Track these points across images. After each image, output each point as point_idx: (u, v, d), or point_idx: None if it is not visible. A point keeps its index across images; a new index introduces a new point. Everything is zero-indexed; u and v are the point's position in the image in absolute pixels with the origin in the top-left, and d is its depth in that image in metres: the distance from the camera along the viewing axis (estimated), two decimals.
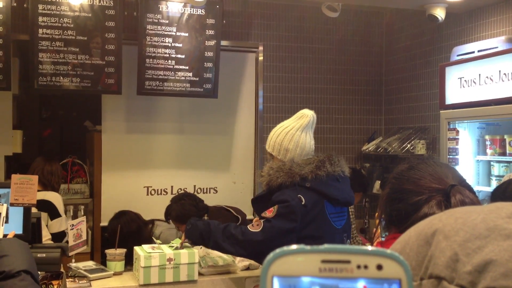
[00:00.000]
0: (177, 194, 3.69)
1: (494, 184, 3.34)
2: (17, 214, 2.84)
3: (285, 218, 2.31)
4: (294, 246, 0.42)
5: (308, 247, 0.42)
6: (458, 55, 3.80)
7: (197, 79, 4.25)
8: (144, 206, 4.47)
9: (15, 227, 2.79)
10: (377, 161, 5.03)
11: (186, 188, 4.60)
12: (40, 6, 3.81)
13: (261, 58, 4.83)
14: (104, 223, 4.33)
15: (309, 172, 2.34)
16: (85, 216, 3.20)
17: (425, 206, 1.14)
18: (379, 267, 0.40)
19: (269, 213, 2.34)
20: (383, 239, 1.38)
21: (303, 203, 2.31)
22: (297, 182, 2.33)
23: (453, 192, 1.13)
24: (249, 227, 2.37)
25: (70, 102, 5.95)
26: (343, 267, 0.40)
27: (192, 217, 2.76)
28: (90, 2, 3.91)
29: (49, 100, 6.04)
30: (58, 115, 6.31)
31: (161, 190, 4.56)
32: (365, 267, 0.40)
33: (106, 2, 3.94)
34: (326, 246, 0.42)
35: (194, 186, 4.64)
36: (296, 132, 2.47)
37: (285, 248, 0.43)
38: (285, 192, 2.34)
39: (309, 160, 2.41)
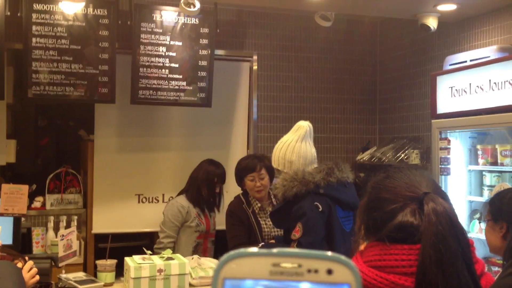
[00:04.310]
0: None
1: (486, 194, 3.34)
2: (6, 224, 2.84)
3: (312, 233, 2.48)
4: (246, 249, 0.42)
5: (260, 251, 0.42)
6: (450, 65, 3.81)
7: (191, 88, 4.26)
8: (135, 214, 4.47)
9: (5, 237, 2.79)
10: (372, 170, 5.02)
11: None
12: (34, 15, 3.81)
13: (255, 67, 4.85)
14: (96, 230, 4.32)
15: (321, 179, 2.51)
16: (75, 227, 3.18)
17: (399, 214, 1.15)
18: (329, 272, 0.40)
19: (297, 233, 2.50)
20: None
21: (320, 209, 2.48)
22: (311, 190, 2.49)
23: (426, 200, 1.14)
24: None
25: (66, 111, 5.94)
26: (293, 271, 0.40)
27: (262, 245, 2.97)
28: (84, 11, 3.92)
29: (45, 109, 6.03)
30: (54, 124, 6.30)
31: (152, 198, 4.54)
32: (316, 271, 0.40)
33: (100, 11, 3.95)
34: (278, 249, 0.42)
35: None
36: (296, 144, 2.65)
37: (238, 250, 0.43)
38: (302, 205, 2.50)
39: (319, 168, 2.59)
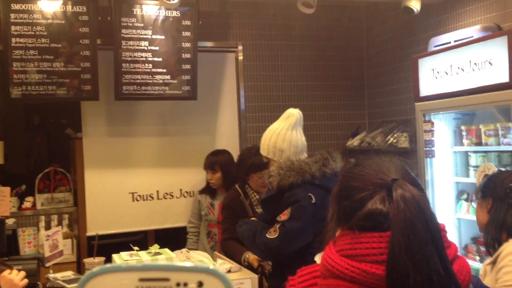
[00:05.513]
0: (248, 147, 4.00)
1: (472, 174, 3.33)
2: None
3: (298, 219, 2.46)
4: (109, 265, 0.41)
5: (124, 265, 0.40)
6: (435, 46, 3.77)
7: (176, 81, 4.23)
8: (130, 212, 4.45)
9: None
10: (363, 155, 5.00)
11: (172, 192, 4.58)
12: (12, 15, 3.78)
13: (241, 57, 4.81)
14: (90, 232, 4.30)
15: (317, 170, 2.49)
16: (60, 226, 3.18)
17: (369, 202, 1.13)
18: (200, 284, 0.39)
19: (284, 216, 2.49)
20: None
21: (313, 201, 2.46)
22: (307, 180, 2.46)
23: (394, 187, 1.12)
24: (267, 234, 2.52)
25: (58, 109, 5.92)
26: (162, 285, 0.38)
27: (243, 219, 2.94)
28: (63, 9, 3.88)
29: (37, 108, 6.01)
30: (47, 123, 6.28)
31: (146, 195, 4.52)
32: (185, 284, 0.39)
33: (79, 8, 3.92)
34: (144, 264, 0.40)
35: (180, 190, 4.62)
36: (286, 131, 2.60)
37: (101, 266, 0.41)
38: (295, 192, 2.47)
39: (314, 158, 2.55)
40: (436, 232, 1.10)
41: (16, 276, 2.31)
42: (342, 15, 5.13)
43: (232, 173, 3.88)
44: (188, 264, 0.40)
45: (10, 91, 3.82)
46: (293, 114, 2.66)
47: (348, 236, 1.13)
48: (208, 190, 4.06)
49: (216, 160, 3.99)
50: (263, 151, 2.68)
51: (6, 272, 2.32)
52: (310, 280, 1.20)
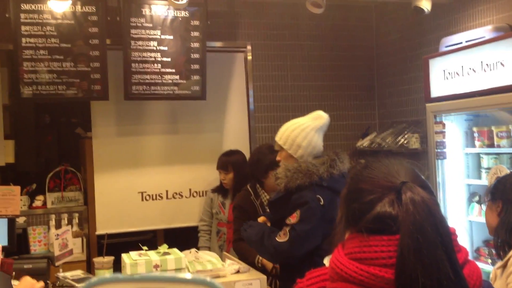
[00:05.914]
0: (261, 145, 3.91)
1: (484, 176, 3.29)
2: (1, 226, 2.86)
3: (308, 222, 2.44)
4: (108, 276, 0.40)
5: (122, 276, 0.40)
6: (446, 46, 3.74)
7: (185, 81, 4.23)
8: (139, 211, 4.46)
9: (0, 239, 2.81)
10: (372, 157, 4.97)
11: (181, 192, 4.58)
12: (22, 16, 3.80)
13: (249, 57, 4.80)
14: (100, 231, 4.31)
15: (325, 172, 2.47)
16: (70, 225, 3.19)
17: (378, 205, 1.12)
18: None
19: (293, 219, 2.47)
20: None
21: (321, 203, 2.44)
22: (314, 182, 2.45)
23: (403, 190, 1.11)
24: (277, 237, 2.50)
25: (68, 108, 5.95)
26: None
27: (247, 222, 2.89)
28: (72, 9, 3.90)
29: (47, 107, 6.05)
30: (57, 122, 6.32)
31: (156, 195, 4.52)
32: None
33: (89, 9, 3.93)
34: (141, 275, 0.39)
35: (190, 189, 4.62)
36: (311, 131, 2.58)
37: (99, 277, 0.40)
38: (303, 194, 2.46)
39: (322, 159, 2.53)
40: (446, 235, 1.08)
41: (37, 283, 2.34)
42: (351, 15, 5.10)
43: (243, 174, 3.85)
44: (186, 275, 0.39)
45: (21, 91, 3.85)
46: (322, 117, 2.63)
47: (356, 239, 1.12)
48: (221, 189, 4.10)
49: (229, 160, 4.01)
50: (281, 139, 2.63)
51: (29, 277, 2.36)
52: (319, 283, 1.20)
